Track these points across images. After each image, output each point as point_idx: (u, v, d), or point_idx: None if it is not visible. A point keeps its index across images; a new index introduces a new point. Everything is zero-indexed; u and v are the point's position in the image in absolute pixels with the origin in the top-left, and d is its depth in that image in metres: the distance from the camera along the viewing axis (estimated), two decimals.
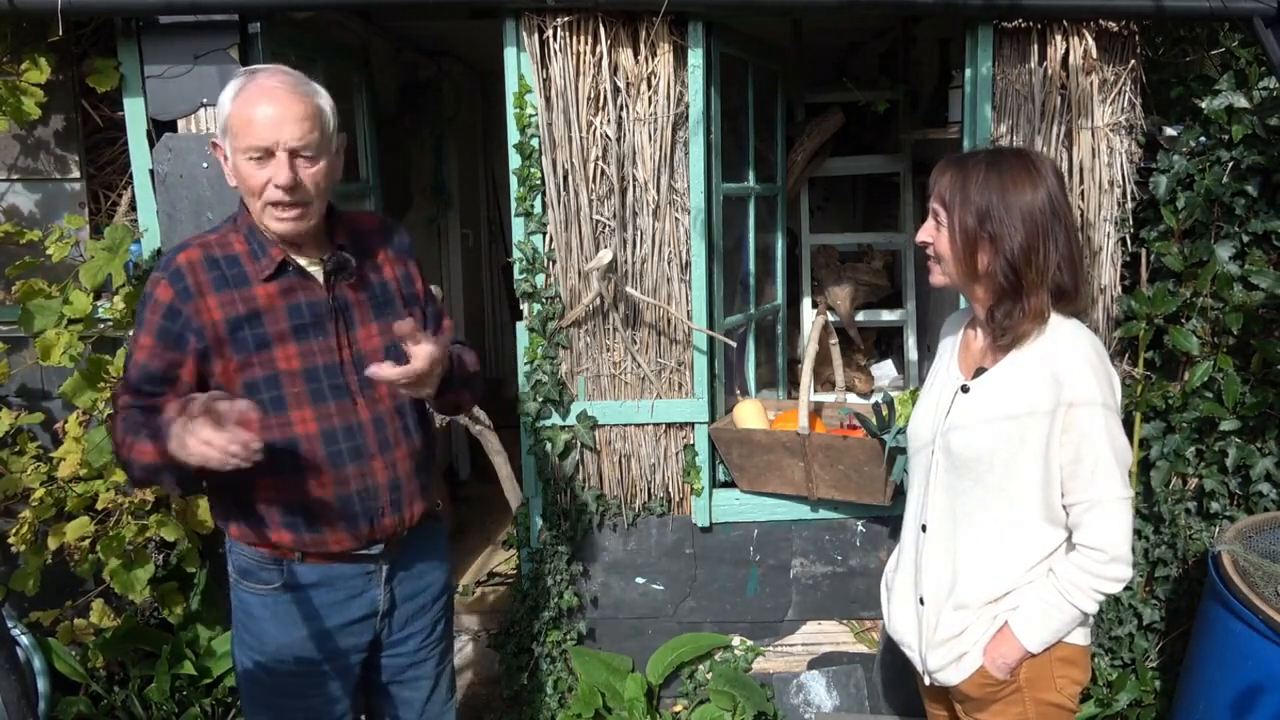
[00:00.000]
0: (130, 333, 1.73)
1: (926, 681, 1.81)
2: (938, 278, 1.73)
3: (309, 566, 1.72)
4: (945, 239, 1.67)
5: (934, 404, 1.78)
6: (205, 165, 2.51)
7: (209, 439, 1.39)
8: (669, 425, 2.81)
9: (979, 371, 1.72)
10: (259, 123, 1.56)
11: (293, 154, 1.58)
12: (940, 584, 1.74)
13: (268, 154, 1.58)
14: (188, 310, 1.60)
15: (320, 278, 1.69)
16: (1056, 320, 1.65)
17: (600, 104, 2.59)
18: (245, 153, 1.58)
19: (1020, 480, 1.63)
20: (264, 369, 1.63)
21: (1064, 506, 1.64)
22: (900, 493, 2.62)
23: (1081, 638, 1.70)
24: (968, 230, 1.62)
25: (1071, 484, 1.61)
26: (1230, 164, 2.67)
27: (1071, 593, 1.62)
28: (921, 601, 1.78)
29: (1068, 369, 1.59)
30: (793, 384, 3.60)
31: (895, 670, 2.88)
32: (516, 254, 2.67)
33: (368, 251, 1.76)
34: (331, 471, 1.67)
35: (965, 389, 1.72)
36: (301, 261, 1.68)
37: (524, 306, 2.72)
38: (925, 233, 1.72)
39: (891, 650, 2.88)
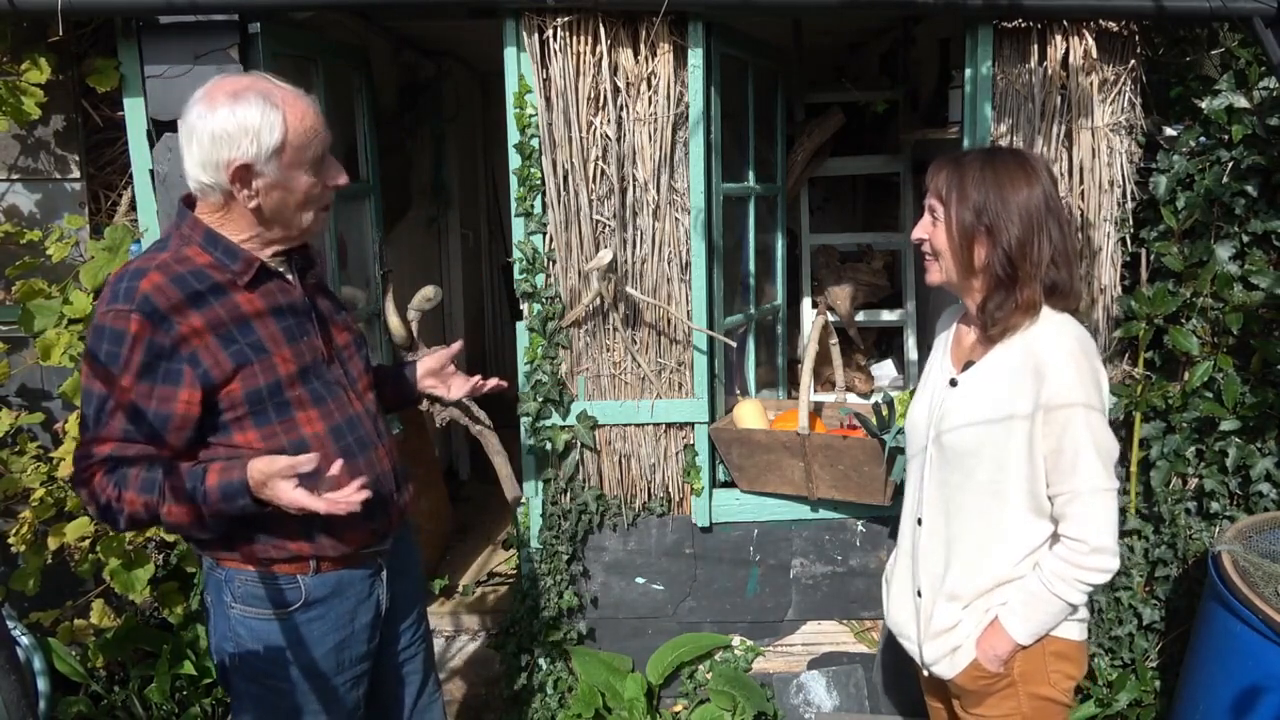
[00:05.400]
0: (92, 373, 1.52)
1: (925, 674, 1.83)
2: (935, 275, 1.75)
3: (320, 578, 1.68)
4: (942, 234, 1.69)
5: (928, 399, 1.81)
6: None
7: (330, 502, 1.50)
8: (669, 425, 2.81)
9: (968, 365, 1.74)
10: (319, 128, 1.57)
11: None
12: (935, 576, 1.77)
13: (324, 158, 1.58)
14: (171, 340, 1.50)
15: (290, 278, 1.68)
16: (1046, 314, 1.67)
17: (600, 104, 2.59)
18: (308, 164, 1.56)
19: (1008, 473, 1.65)
20: (266, 376, 1.58)
21: (1049, 497, 1.65)
22: (900, 492, 2.62)
23: (1076, 632, 1.71)
24: (965, 224, 1.65)
25: (1054, 475, 1.62)
26: (1230, 164, 2.67)
27: (1055, 584, 1.63)
28: (919, 594, 1.80)
29: (1049, 361, 1.61)
30: (793, 384, 3.59)
31: (895, 670, 2.88)
32: (516, 254, 2.67)
33: (314, 251, 1.77)
34: (347, 466, 1.65)
35: (954, 383, 1.74)
36: (272, 263, 1.65)
37: (524, 306, 2.72)
38: (921, 229, 1.74)
39: (891, 650, 2.88)
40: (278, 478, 1.48)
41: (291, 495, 1.48)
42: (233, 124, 1.49)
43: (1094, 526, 1.60)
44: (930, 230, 1.72)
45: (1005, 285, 1.64)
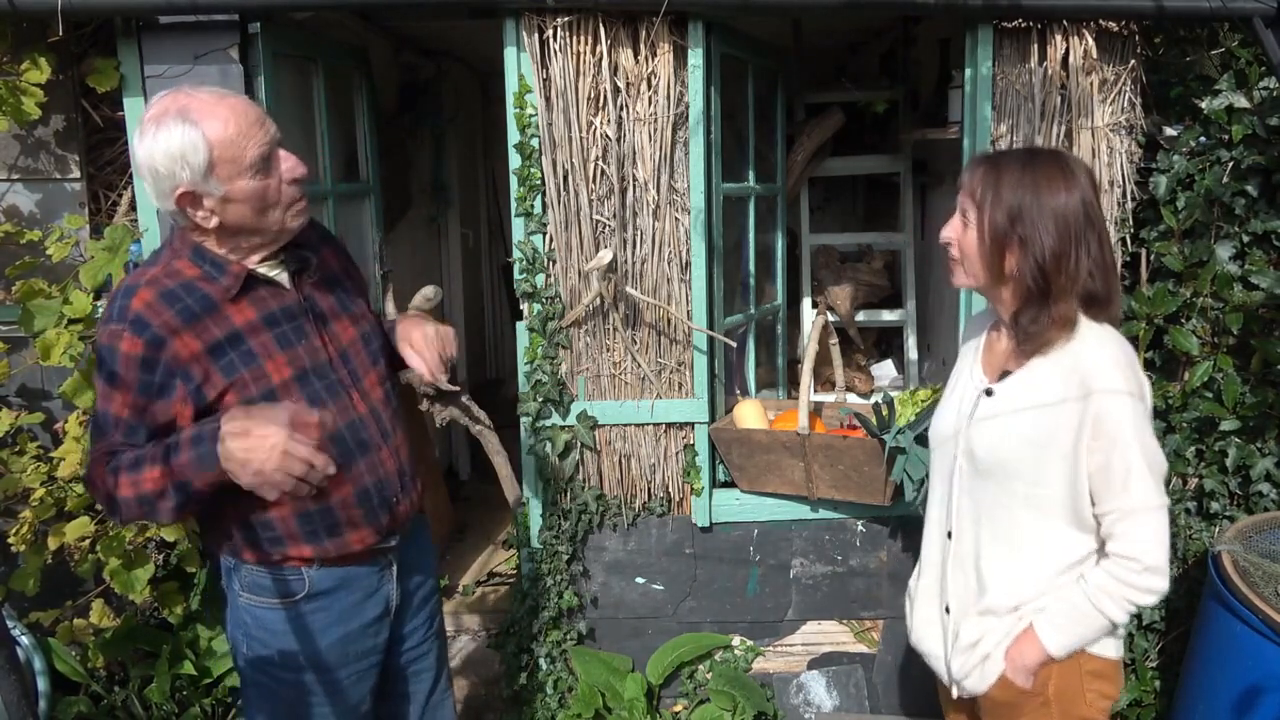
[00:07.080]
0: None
1: (954, 693, 1.74)
2: (961, 279, 1.67)
3: (325, 571, 1.69)
4: (972, 237, 1.61)
5: (956, 407, 1.73)
6: None
7: (296, 451, 1.37)
8: (669, 425, 2.81)
9: (1003, 375, 1.67)
10: (251, 129, 1.52)
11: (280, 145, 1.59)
12: (967, 591, 1.70)
13: (269, 157, 1.55)
14: (164, 356, 1.51)
15: (285, 281, 1.67)
16: (1086, 325, 1.60)
17: (600, 104, 2.59)
18: (250, 169, 1.52)
19: (1046, 486, 1.59)
20: (259, 386, 1.58)
21: (1096, 515, 1.58)
22: (900, 493, 2.62)
23: (1113, 650, 1.65)
24: (997, 229, 1.57)
25: (1104, 493, 1.55)
26: (1230, 164, 2.67)
27: (1101, 600, 1.56)
28: (947, 610, 1.74)
29: (1095, 374, 1.54)
30: (793, 384, 3.59)
31: (895, 671, 2.88)
32: (516, 254, 2.67)
33: (312, 246, 1.74)
34: (345, 471, 1.65)
35: (989, 392, 1.67)
36: (262, 270, 1.63)
37: (524, 306, 2.72)
38: (951, 230, 1.66)
39: (892, 651, 2.89)
40: (271, 422, 1.40)
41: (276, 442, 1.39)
42: (160, 154, 1.48)
43: (1146, 545, 1.53)
44: (959, 231, 1.63)
45: (1038, 298, 1.57)
